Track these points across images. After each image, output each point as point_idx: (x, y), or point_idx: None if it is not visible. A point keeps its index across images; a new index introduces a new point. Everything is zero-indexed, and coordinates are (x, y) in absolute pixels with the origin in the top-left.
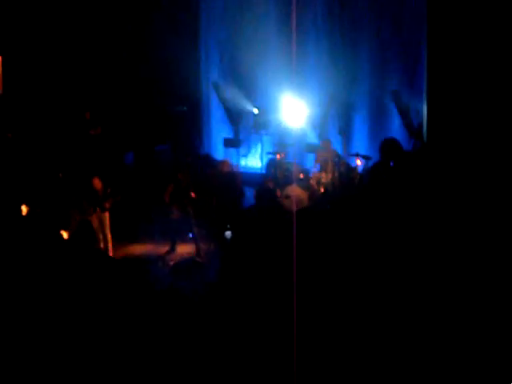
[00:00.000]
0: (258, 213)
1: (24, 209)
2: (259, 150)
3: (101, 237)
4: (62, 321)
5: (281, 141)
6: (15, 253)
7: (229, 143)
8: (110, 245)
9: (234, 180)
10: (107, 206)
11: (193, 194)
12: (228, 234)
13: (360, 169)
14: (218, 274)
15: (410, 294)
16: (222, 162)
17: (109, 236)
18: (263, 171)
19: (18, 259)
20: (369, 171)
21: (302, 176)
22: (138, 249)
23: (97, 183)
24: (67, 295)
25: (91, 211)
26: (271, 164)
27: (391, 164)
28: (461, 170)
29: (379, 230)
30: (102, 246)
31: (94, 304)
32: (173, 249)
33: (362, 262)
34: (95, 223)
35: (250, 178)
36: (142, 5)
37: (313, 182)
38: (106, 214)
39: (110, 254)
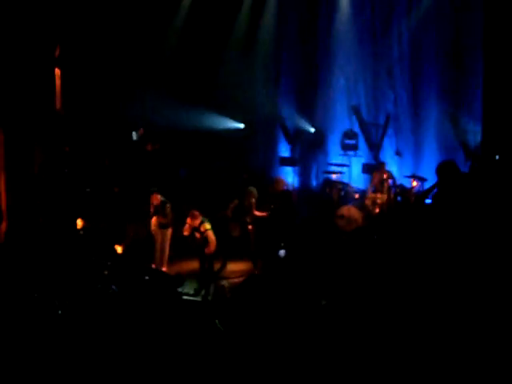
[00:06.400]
0: (312, 232)
1: (80, 223)
2: (315, 169)
3: (159, 253)
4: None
5: (337, 160)
6: (70, 265)
7: (284, 161)
8: (165, 260)
9: (288, 198)
10: (164, 222)
11: (256, 213)
12: (282, 252)
13: (416, 190)
14: (273, 291)
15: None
16: (277, 181)
17: (167, 251)
18: (318, 190)
19: (73, 271)
20: (424, 193)
21: (357, 196)
22: (191, 265)
23: (155, 198)
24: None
25: (154, 227)
26: (326, 184)
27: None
28: None
29: (435, 252)
30: (158, 261)
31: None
32: (224, 265)
33: (417, 283)
34: (159, 238)
35: (304, 196)
36: (200, 25)
37: (368, 202)
38: (169, 230)
39: (164, 269)
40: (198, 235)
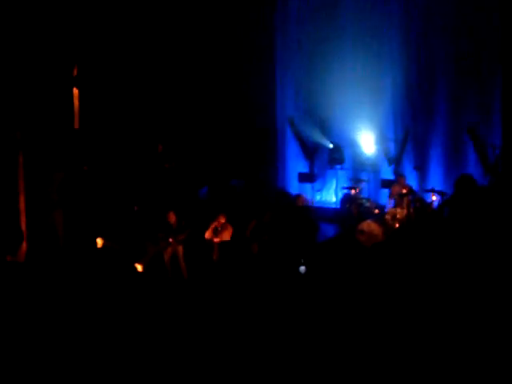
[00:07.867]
0: (332, 248)
1: (99, 241)
2: (334, 184)
3: (171, 269)
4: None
5: (356, 176)
6: (89, 284)
7: (303, 178)
8: (185, 276)
9: (308, 215)
10: (181, 238)
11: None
12: (302, 268)
13: (435, 204)
14: (293, 308)
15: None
16: (297, 197)
17: (183, 267)
18: (338, 206)
19: (92, 291)
20: (440, 206)
21: (377, 211)
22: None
23: (171, 216)
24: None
25: (165, 244)
26: (346, 199)
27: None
28: None
29: (455, 266)
30: (172, 277)
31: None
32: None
33: (436, 298)
34: (167, 256)
35: (324, 212)
36: (219, 42)
37: (388, 217)
38: (180, 247)
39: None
40: (216, 240)
